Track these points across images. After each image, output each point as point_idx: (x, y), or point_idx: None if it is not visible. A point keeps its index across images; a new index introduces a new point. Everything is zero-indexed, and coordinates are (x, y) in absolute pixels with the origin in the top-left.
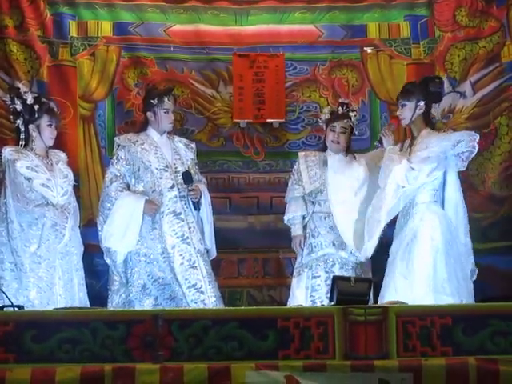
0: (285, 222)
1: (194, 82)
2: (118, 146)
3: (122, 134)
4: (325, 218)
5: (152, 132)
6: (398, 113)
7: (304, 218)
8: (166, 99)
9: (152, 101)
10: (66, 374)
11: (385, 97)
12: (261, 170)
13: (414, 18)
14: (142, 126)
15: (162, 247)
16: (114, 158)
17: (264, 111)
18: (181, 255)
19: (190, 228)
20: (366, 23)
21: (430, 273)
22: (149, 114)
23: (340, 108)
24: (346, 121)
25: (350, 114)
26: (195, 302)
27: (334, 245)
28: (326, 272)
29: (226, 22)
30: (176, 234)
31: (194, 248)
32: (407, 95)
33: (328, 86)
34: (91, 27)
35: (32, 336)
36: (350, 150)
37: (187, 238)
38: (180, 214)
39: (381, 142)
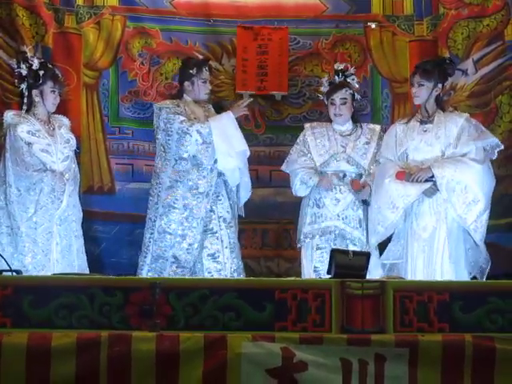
0: (294, 194)
1: (197, 54)
2: (160, 109)
3: (159, 101)
4: (331, 189)
5: (188, 100)
6: (413, 90)
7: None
8: (204, 69)
9: (191, 71)
10: (63, 339)
11: (386, 73)
12: (261, 144)
13: None
14: (176, 96)
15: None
16: (162, 117)
17: (267, 83)
18: (203, 220)
19: (217, 196)
20: None
21: None
22: (186, 83)
23: (336, 77)
24: (344, 90)
25: (348, 80)
26: (209, 272)
27: (338, 217)
28: (331, 245)
29: None
30: None
31: (218, 216)
32: (427, 75)
33: (330, 60)
34: None
35: (30, 301)
36: (356, 119)
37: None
38: None
39: None
